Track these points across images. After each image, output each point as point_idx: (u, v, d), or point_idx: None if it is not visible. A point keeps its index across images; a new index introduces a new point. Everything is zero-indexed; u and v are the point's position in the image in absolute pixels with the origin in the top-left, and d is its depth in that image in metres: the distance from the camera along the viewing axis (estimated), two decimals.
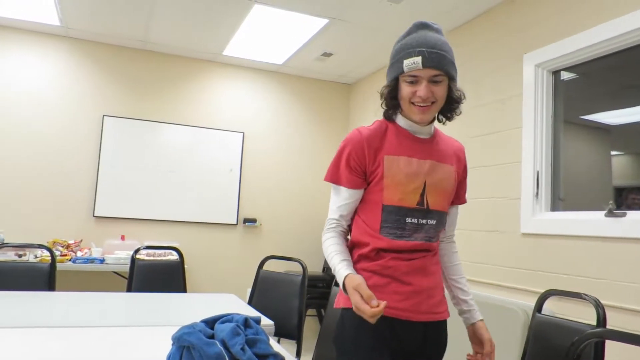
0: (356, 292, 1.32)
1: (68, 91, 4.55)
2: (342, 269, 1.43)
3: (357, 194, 1.54)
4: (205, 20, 4.03)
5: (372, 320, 1.28)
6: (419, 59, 1.41)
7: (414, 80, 1.44)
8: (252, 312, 2.18)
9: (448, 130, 3.75)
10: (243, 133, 5.08)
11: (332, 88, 5.55)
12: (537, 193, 2.96)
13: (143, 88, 4.79)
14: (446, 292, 1.62)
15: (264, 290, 2.85)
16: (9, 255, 3.66)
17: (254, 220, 5.03)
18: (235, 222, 4.97)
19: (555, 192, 2.98)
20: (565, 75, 3.05)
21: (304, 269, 2.70)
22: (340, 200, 1.55)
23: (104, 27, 4.31)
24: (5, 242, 4.01)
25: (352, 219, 1.58)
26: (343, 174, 1.53)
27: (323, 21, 3.90)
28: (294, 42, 4.40)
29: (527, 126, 3.06)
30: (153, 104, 4.81)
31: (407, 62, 1.43)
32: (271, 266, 2.99)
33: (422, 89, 1.43)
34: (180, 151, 4.85)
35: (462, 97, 1.53)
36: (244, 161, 5.08)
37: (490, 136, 3.36)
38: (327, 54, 4.64)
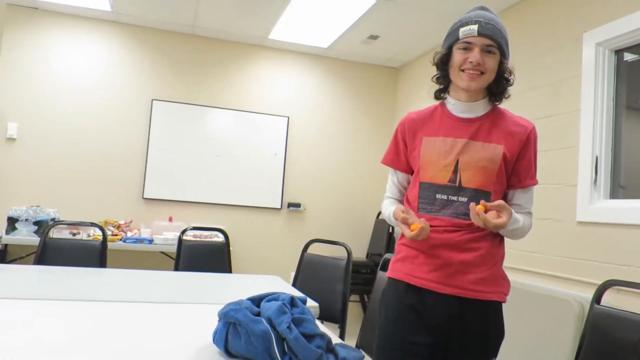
0: (401, 222, 1.49)
1: (118, 76, 4.66)
2: (390, 211, 1.62)
3: (402, 177, 1.68)
4: (252, 3, 4.02)
5: (419, 238, 1.44)
6: (475, 27, 1.47)
7: (467, 47, 1.49)
8: (297, 294, 2.17)
9: None
10: (288, 117, 5.08)
11: (378, 72, 5.45)
12: (596, 180, 2.81)
13: (191, 72, 4.85)
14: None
15: (308, 274, 2.84)
16: (64, 233, 3.80)
17: (298, 205, 5.04)
18: (279, 206, 4.99)
19: (615, 179, 2.82)
20: (629, 57, 2.87)
21: (349, 253, 2.67)
22: (389, 181, 1.73)
23: (154, 13, 4.37)
24: (60, 220, 4.17)
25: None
26: (389, 156, 1.69)
27: (370, 2, 3.81)
28: (340, 24, 4.33)
29: (585, 109, 2.89)
30: (200, 89, 4.87)
31: (463, 30, 1.49)
32: (314, 250, 2.98)
33: (474, 55, 1.47)
34: (227, 135, 4.89)
35: (512, 76, 1.55)
36: (288, 145, 5.08)
37: (545, 120, 3.20)
38: (373, 37, 4.55)
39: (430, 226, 1.49)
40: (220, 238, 3.87)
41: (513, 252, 3.33)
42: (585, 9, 2.98)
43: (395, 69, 5.50)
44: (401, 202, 1.70)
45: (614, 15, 2.79)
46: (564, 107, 3.06)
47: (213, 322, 1.51)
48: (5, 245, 4.01)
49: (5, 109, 4.37)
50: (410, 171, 1.66)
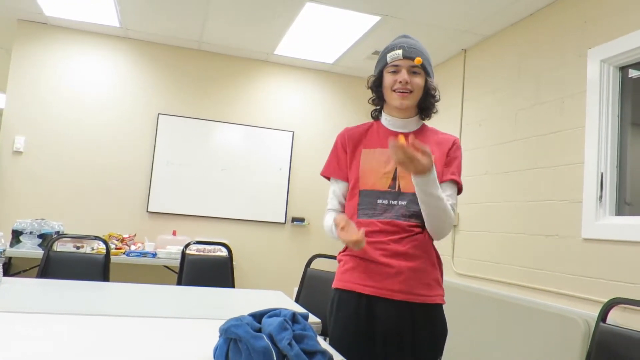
0: (340, 230, 1.52)
1: (125, 90, 4.71)
2: (330, 223, 1.69)
3: (343, 186, 1.77)
4: (258, 19, 4.07)
5: (356, 248, 1.48)
6: (399, 52, 1.66)
7: (396, 70, 1.67)
8: (300, 310, 2.15)
9: (500, 130, 3.61)
10: (293, 132, 5.10)
11: None
12: (601, 196, 2.79)
13: (197, 87, 4.89)
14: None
15: (311, 289, 2.82)
16: (68, 247, 3.81)
17: (302, 220, 5.03)
18: (283, 221, 4.99)
19: (621, 196, 2.80)
20: (634, 73, 2.87)
21: None
22: (330, 192, 1.81)
23: (161, 28, 4.43)
24: (64, 233, 4.18)
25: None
26: (331, 166, 1.80)
27: (375, 19, 3.85)
28: (345, 40, 4.37)
29: (590, 126, 2.89)
30: (206, 103, 4.91)
31: (390, 55, 1.68)
32: (318, 265, 2.97)
33: (402, 75, 1.65)
34: (232, 149, 4.91)
35: (437, 93, 1.73)
36: (293, 160, 5.09)
37: (550, 136, 3.20)
38: (378, 53, 4.57)
39: (375, 232, 1.62)
40: (223, 252, 3.86)
41: (517, 269, 3.30)
42: (590, 26, 3.00)
43: None
44: (342, 213, 1.80)
45: (619, 32, 2.80)
46: (570, 123, 3.06)
47: (214, 338, 1.50)
48: (10, 258, 4.02)
49: (13, 123, 4.41)
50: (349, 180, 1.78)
